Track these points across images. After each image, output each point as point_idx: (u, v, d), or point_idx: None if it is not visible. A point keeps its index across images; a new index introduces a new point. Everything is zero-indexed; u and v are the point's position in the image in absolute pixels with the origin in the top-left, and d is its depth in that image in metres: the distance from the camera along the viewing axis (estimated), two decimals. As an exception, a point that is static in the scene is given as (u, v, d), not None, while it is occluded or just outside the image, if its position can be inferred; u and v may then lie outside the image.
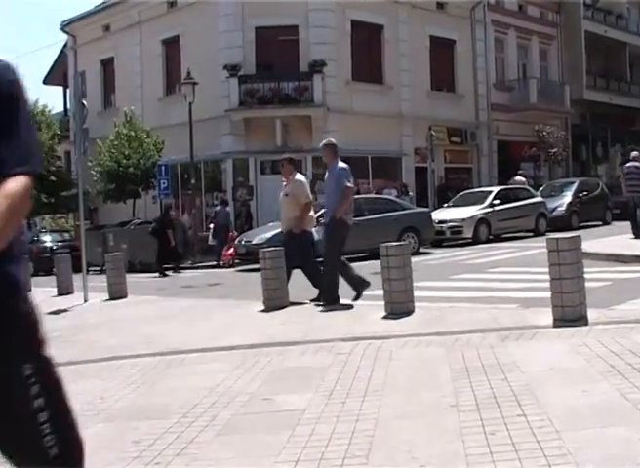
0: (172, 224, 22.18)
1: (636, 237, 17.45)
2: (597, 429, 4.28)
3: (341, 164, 10.48)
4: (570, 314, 7.38)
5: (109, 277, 14.27)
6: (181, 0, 29.75)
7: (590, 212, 26.86)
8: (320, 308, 10.11)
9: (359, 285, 10.53)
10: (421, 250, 20.42)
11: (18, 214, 2.35)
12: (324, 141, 10.92)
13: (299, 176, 11.24)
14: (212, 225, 24.45)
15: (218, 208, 26.62)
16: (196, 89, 24.64)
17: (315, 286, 10.92)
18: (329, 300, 10.25)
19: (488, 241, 22.73)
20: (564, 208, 26.10)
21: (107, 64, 34.14)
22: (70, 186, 33.34)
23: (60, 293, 15.44)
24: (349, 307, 9.94)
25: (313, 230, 11.20)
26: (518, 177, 30.37)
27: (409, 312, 8.76)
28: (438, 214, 23.29)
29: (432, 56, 31.88)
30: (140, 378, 6.74)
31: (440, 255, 19.31)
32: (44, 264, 25.22)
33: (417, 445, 4.32)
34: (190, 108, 24.35)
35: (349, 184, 10.33)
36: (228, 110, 27.09)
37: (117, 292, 13.87)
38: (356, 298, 10.44)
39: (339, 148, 10.76)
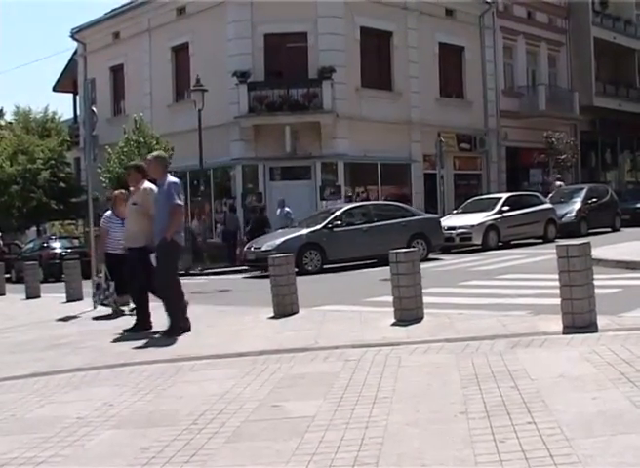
0: (269, 224, 23.41)
1: None
2: (608, 437, 4.26)
3: (172, 179, 9.66)
4: (580, 321, 7.37)
5: (119, 283, 14.26)
6: (191, 7, 29.84)
7: (599, 218, 26.81)
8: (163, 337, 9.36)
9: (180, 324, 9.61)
10: (431, 256, 20.43)
11: None
12: (154, 154, 10.17)
13: (148, 185, 10.12)
14: (220, 226, 24.65)
15: (228, 214, 26.83)
16: (205, 95, 24.71)
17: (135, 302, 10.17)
18: (173, 331, 9.35)
19: (497, 247, 22.71)
20: (573, 214, 26.06)
21: (117, 71, 34.25)
22: (80, 193, 33.42)
23: (70, 300, 15.44)
24: (354, 314, 9.93)
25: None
26: (558, 182, 30.61)
27: (418, 319, 8.75)
28: (447, 221, 23.29)
29: (441, 62, 31.89)
30: (149, 385, 6.74)
31: (449, 262, 19.29)
32: (53, 270, 25.28)
33: (426, 452, 4.31)
34: (199, 115, 24.42)
35: (179, 201, 9.43)
36: (238, 117, 27.13)
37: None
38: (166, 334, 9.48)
39: (169, 162, 9.93)
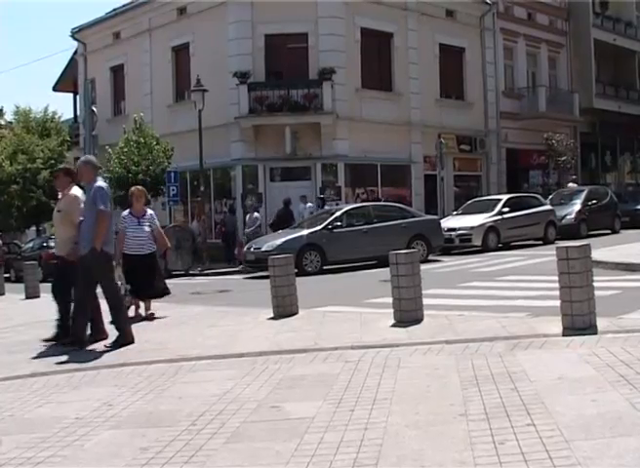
0: (293, 218, 23.31)
1: None
2: (607, 439, 4.26)
3: (99, 183, 9.17)
4: (579, 323, 7.37)
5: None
6: (192, 7, 29.82)
7: (599, 220, 26.83)
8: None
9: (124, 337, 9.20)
10: (431, 257, 20.42)
11: None
12: (83, 158, 9.88)
13: (75, 190, 9.66)
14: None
15: (227, 214, 26.94)
16: (206, 96, 24.68)
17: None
18: (76, 341, 9.12)
19: (497, 249, 22.70)
20: (573, 216, 26.08)
21: (117, 71, 34.21)
22: (79, 193, 33.41)
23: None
24: (355, 315, 9.93)
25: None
26: (571, 183, 30.68)
27: (418, 320, 8.75)
28: (447, 222, 23.28)
29: (442, 63, 31.85)
30: (148, 385, 6.74)
31: (449, 263, 19.29)
32: (53, 270, 25.17)
33: (425, 454, 4.31)
34: (200, 115, 24.40)
35: (103, 207, 8.93)
36: (238, 117, 27.12)
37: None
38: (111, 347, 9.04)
39: (99, 166, 9.58)
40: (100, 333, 9.54)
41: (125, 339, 9.14)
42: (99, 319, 9.60)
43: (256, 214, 24.98)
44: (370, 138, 27.76)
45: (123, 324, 9.29)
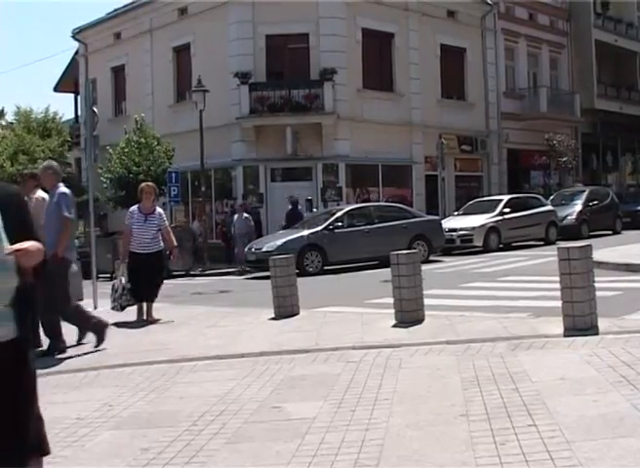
0: (301, 218, 23.03)
1: None
2: (608, 440, 4.26)
3: (62, 189, 9.05)
4: (581, 323, 7.37)
5: (119, 284, 14.16)
6: (193, 8, 29.81)
7: (600, 221, 26.84)
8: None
9: (98, 328, 9.09)
10: (432, 258, 20.40)
11: None
12: (45, 164, 9.81)
13: (40, 194, 9.37)
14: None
15: (228, 215, 26.96)
16: (207, 96, 24.67)
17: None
18: (55, 350, 8.89)
19: (498, 249, 22.68)
20: (574, 217, 26.08)
21: (118, 72, 34.22)
22: (81, 193, 33.31)
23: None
24: (357, 315, 9.92)
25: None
26: (577, 184, 30.91)
27: (419, 320, 8.75)
28: (448, 223, 23.26)
29: (443, 64, 31.80)
30: (149, 386, 6.74)
31: (450, 264, 19.28)
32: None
33: (426, 454, 4.30)
34: (201, 116, 24.39)
35: (68, 214, 8.85)
36: (239, 118, 27.11)
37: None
38: (98, 343, 9.04)
39: (61, 172, 9.46)
40: (86, 335, 9.49)
41: (100, 334, 9.02)
42: (83, 321, 9.43)
43: (245, 214, 24.79)
44: (371, 139, 27.75)
45: (87, 324, 9.16)
